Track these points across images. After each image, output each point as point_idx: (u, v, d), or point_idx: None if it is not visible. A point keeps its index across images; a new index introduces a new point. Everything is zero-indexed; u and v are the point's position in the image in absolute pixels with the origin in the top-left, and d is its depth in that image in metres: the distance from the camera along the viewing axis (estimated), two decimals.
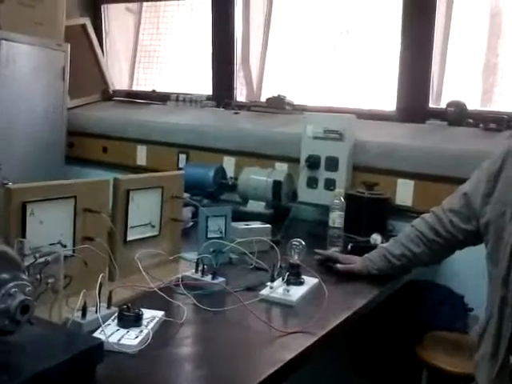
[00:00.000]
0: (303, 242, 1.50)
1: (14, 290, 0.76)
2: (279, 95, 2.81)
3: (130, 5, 3.50)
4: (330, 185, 2.32)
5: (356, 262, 1.66)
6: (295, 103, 2.80)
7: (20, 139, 2.75)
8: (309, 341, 1.17)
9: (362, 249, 1.80)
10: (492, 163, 1.41)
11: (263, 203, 2.34)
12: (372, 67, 2.73)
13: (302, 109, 2.70)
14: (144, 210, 1.45)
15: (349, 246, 1.90)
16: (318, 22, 2.86)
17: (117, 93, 3.40)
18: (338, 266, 1.66)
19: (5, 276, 0.77)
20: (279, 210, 2.32)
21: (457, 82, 2.53)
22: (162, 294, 1.28)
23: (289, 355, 1.09)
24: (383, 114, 2.61)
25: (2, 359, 0.82)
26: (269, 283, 1.42)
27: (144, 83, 3.49)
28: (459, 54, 2.51)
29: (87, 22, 3.35)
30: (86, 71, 3.32)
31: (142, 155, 3.01)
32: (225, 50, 3.05)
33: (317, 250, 1.74)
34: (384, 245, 1.69)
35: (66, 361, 0.84)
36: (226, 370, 1.04)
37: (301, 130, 2.38)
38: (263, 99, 2.90)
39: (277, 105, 2.79)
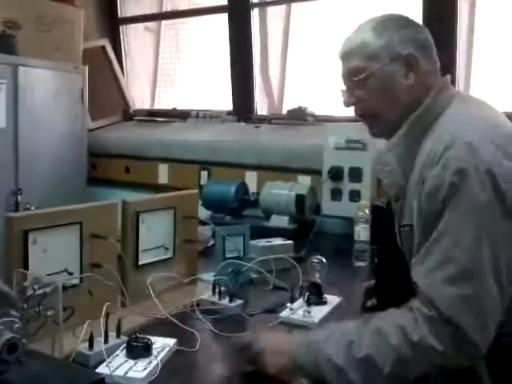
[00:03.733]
0: (324, 260, 1.43)
1: (0, 327, 0.72)
2: (300, 107, 2.75)
3: (149, 24, 3.51)
4: (354, 196, 2.25)
5: None
6: (317, 114, 2.73)
7: (41, 163, 2.77)
8: None
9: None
10: None
11: (286, 217, 2.28)
12: None
13: (324, 119, 2.63)
14: (156, 232, 1.40)
15: (376, 260, 1.81)
16: (337, 30, 2.80)
17: (138, 112, 3.40)
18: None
19: None
20: (303, 224, 2.26)
21: (484, 88, 2.42)
22: (174, 320, 1.22)
23: None
24: None
25: None
26: (289, 304, 1.36)
27: (165, 101, 3.48)
28: (484, 60, 2.41)
29: (106, 43, 3.37)
30: (106, 92, 3.33)
31: (163, 174, 2.99)
32: (243, 63, 3.01)
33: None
34: None
35: None
36: None
37: (323, 141, 2.32)
38: (285, 111, 2.85)
39: (298, 116, 2.73)
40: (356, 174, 2.25)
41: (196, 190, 1.59)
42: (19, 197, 2.57)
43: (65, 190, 2.78)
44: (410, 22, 1.18)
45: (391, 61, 1.12)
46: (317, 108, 2.76)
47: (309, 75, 2.89)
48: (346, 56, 1.19)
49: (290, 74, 3.01)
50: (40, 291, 0.93)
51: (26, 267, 1.05)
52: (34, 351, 0.90)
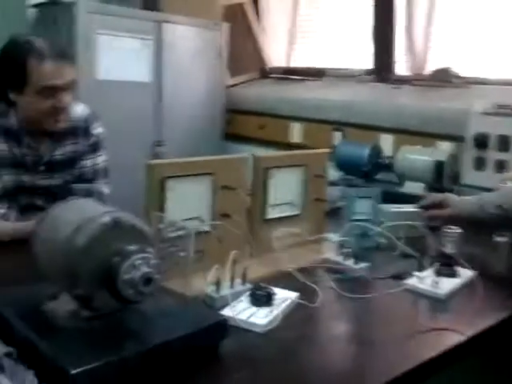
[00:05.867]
0: (459, 230, 1.34)
1: (138, 262, 0.78)
2: (446, 67, 2.56)
3: None
4: (501, 167, 2.08)
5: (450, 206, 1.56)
6: (464, 75, 2.53)
7: (182, 117, 2.91)
8: (455, 340, 1.03)
9: None
10: None
11: (422, 185, 2.17)
12: None
13: (471, 82, 2.43)
14: (285, 188, 1.41)
15: None
16: None
17: (274, 70, 3.41)
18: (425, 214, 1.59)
19: (132, 248, 0.80)
20: (440, 192, 2.13)
21: None
22: (297, 274, 1.24)
23: (428, 354, 0.98)
24: None
25: (131, 326, 0.85)
26: (416, 273, 1.30)
27: (302, 59, 3.44)
28: None
29: (246, 0, 3.39)
30: (245, 49, 3.38)
31: (296, 132, 2.99)
32: (385, 19, 2.86)
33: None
34: None
35: (188, 335, 0.85)
36: (355, 363, 0.97)
37: (468, 105, 2.15)
38: (429, 71, 2.67)
39: (442, 78, 2.55)
40: (504, 143, 2.07)
41: (327, 150, 1.56)
42: (161, 148, 2.75)
43: (202, 144, 2.91)
44: None
45: None
46: (464, 69, 2.55)
47: (457, 33, 2.67)
48: None
49: (436, 32, 2.79)
50: (174, 234, 0.99)
51: (163, 211, 1.12)
52: (166, 288, 0.97)
